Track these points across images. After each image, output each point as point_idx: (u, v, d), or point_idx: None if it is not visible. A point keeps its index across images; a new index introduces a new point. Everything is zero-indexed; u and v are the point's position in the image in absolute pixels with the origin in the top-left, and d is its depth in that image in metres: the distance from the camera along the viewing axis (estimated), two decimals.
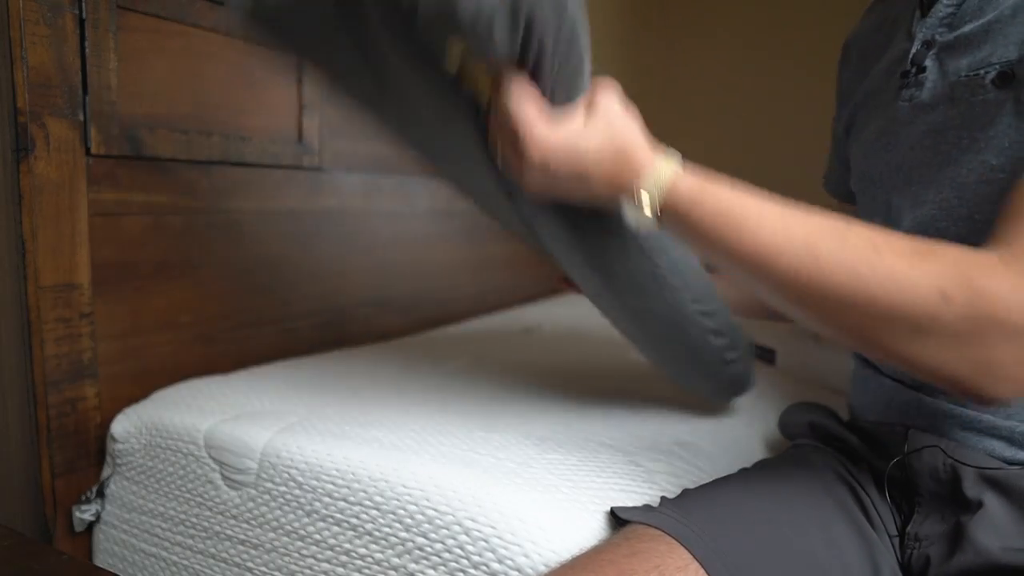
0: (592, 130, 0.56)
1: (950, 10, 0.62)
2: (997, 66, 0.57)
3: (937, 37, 0.63)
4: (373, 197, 1.31)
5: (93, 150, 0.85)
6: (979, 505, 0.57)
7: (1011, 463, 0.58)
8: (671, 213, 0.56)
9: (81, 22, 0.83)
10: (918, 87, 0.63)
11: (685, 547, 0.54)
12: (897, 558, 0.62)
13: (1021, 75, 0.55)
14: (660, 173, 0.56)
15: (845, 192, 0.84)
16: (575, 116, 0.57)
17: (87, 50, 0.83)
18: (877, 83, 0.72)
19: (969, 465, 0.59)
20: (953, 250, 0.49)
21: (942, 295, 0.47)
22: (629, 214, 0.58)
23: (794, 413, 0.81)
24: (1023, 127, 0.55)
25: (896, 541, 0.63)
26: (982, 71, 0.58)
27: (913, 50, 0.65)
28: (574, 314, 1.64)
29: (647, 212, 0.56)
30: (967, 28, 0.60)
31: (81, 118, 0.84)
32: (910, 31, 0.66)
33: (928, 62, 0.63)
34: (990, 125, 0.57)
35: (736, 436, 0.86)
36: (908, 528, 0.62)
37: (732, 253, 0.53)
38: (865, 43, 0.78)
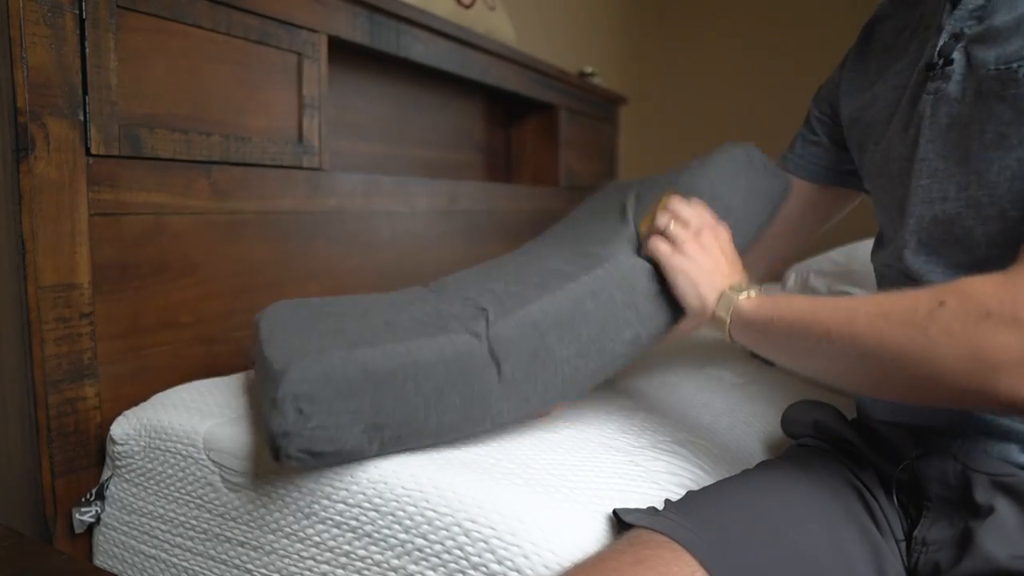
0: (729, 247, 0.77)
1: (981, 2, 0.61)
2: None
3: (966, 29, 0.61)
4: (373, 197, 1.31)
5: (93, 150, 0.85)
6: (990, 511, 0.56)
7: (1023, 468, 0.58)
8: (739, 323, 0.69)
9: (81, 22, 0.83)
10: (944, 79, 0.62)
11: (691, 553, 0.54)
12: (904, 563, 0.61)
13: None
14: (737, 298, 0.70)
15: (815, 172, 0.86)
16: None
17: (87, 50, 0.83)
18: (900, 79, 0.70)
19: (981, 472, 0.58)
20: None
21: (939, 302, 0.51)
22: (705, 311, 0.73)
23: (798, 411, 0.80)
24: None
25: (903, 545, 0.62)
26: (1014, 64, 0.56)
27: (941, 42, 0.63)
28: None
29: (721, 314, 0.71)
30: (998, 20, 0.58)
31: (81, 118, 0.84)
32: (939, 25, 0.65)
33: (956, 54, 0.61)
34: (1021, 122, 0.55)
35: (736, 436, 0.86)
36: (915, 532, 0.62)
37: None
38: (890, 39, 0.76)
